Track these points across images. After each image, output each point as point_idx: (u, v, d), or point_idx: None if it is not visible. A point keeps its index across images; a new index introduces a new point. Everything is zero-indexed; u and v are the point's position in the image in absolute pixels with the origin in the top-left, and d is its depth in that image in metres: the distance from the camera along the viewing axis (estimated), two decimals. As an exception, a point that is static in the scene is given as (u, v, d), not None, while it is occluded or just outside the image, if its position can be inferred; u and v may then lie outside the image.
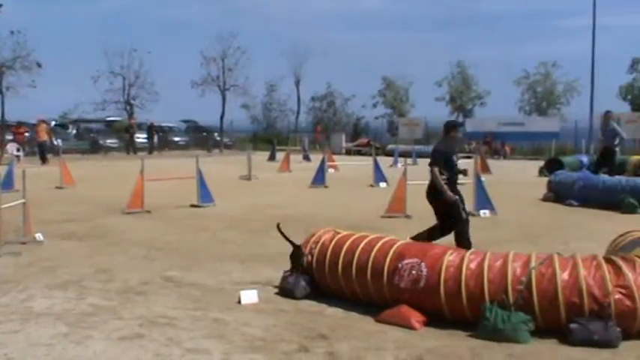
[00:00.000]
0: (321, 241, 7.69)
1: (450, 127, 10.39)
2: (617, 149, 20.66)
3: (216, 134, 51.53)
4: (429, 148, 42.56)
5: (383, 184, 20.79)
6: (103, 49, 50.61)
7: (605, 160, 19.88)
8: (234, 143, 51.73)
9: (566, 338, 6.03)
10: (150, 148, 43.35)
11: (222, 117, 51.64)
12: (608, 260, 6.36)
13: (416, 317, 6.51)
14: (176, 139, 48.91)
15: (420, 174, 23.04)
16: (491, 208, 14.43)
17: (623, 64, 49.46)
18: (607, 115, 20.28)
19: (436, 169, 9.88)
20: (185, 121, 55.66)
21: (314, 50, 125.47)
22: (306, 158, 35.63)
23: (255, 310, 7.13)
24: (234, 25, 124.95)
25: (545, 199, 17.31)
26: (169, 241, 11.43)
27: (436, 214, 10.20)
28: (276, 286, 7.96)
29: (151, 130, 44.78)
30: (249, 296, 7.49)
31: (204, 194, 15.84)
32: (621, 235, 7.87)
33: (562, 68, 51.75)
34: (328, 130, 53.91)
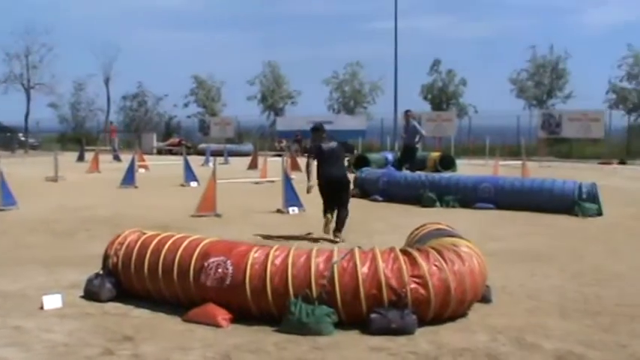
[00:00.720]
0: (127, 242, 7.54)
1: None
2: (418, 146, 21.63)
3: (20, 134, 49.32)
4: (241, 147, 43.15)
5: (194, 184, 20.67)
6: None
7: (407, 157, 20.76)
8: (40, 144, 49.71)
9: (367, 328, 6.24)
10: (-54, 149, 40.88)
11: (27, 116, 49.54)
12: (404, 252, 6.65)
13: (222, 315, 6.51)
14: (-24, 139, 46.32)
15: (231, 173, 23.23)
16: (300, 205, 14.70)
17: (425, 64, 51.75)
18: (407, 115, 21.15)
19: None
20: (-14, 121, 52.83)
21: (124, 48, 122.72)
22: (117, 158, 34.88)
23: (59, 315, 6.88)
24: (40, 21, 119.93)
25: (351, 195, 17.79)
26: (-33, 247, 10.81)
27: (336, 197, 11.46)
28: (81, 290, 7.72)
29: (-54, 130, 42.27)
30: (52, 301, 7.20)
31: (6, 196, 15.10)
32: (418, 228, 8.26)
33: (367, 68, 53.47)
34: (139, 130, 52.93)
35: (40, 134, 52.96)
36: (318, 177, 11.49)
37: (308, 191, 11.78)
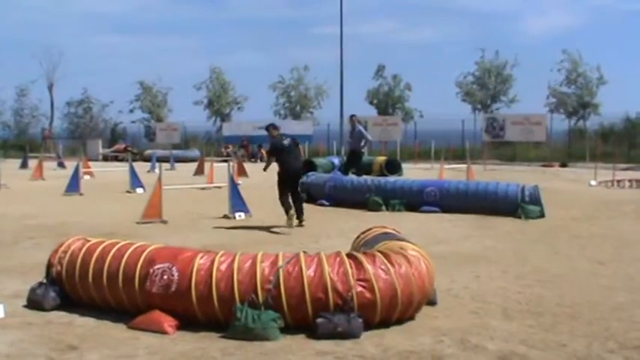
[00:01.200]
0: (71, 250, 7.42)
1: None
2: (364, 151, 21.72)
3: (-40, 142, 48.36)
4: (187, 153, 42.97)
5: (140, 190, 20.44)
6: None
7: (353, 162, 20.83)
8: (-19, 151, 48.79)
9: (314, 332, 6.25)
10: None
11: (-34, 123, 48.58)
12: (350, 256, 6.68)
13: (168, 322, 6.46)
14: None
15: (177, 179, 23.05)
16: (246, 211, 14.68)
17: (371, 69, 52.07)
18: (352, 119, 21.21)
19: None
20: None
21: (68, 54, 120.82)
22: (61, 165, 34.36)
23: (0, 326, 6.72)
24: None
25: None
26: None
27: (295, 186, 13.80)
28: (24, 299, 7.58)
29: None
30: (-6, 311, 7.07)
31: (-53, 206, 14.79)
32: (364, 232, 8.30)
33: (313, 73, 53.70)
34: (84, 137, 52.26)
35: (-20, 141, 52.01)
36: (283, 170, 13.52)
37: (265, 170, 14.06)
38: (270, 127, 14.07)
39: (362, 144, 20.81)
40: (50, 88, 56.99)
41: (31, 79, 58.84)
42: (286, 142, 13.61)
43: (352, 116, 21.43)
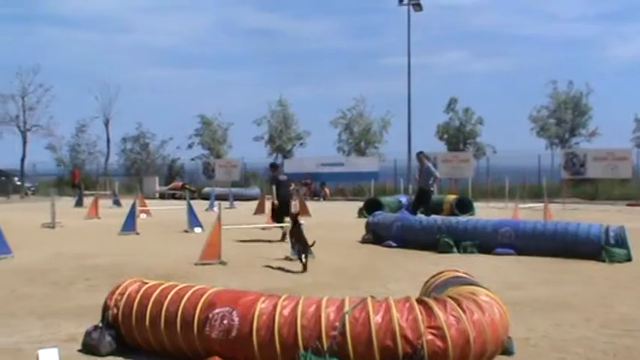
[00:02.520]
0: (127, 293, 7.52)
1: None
2: (433, 189, 21.62)
3: (16, 178, 49.53)
4: (247, 191, 43.36)
5: (198, 230, 20.67)
6: None
7: (422, 201, 20.76)
8: (37, 188, 49.93)
9: (381, 383, 6.19)
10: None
11: (23, 160, 49.81)
12: (420, 301, 6.62)
13: (229, 369, 6.49)
14: (-31, 184, 46.60)
15: (237, 218, 23.25)
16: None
17: (439, 102, 52.08)
18: (420, 157, 21.22)
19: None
20: (-19, 164, 53.10)
21: (125, 88, 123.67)
22: (117, 203, 34.97)
23: (55, 371, 6.85)
24: (37, 60, 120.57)
25: (364, 241, 17.78)
26: (-42, 299, 10.79)
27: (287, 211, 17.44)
28: (79, 343, 7.69)
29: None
30: (48, 356, 7.14)
31: (1, 245, 15.09)
32: (434, 276, 8.22)
33: (379, 104, 53.89)
34: (140, 173, 53.14)
35: (37, 178, 53.19)
36: (277, 197, 18.85)
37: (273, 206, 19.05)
38: (272, 166, 21.26)
39: (430, 182, 20.75)
40: (106, 123, 58.19)
41: (88, 115, 60.25)
42: (282, 177, 19.70)
43: (420, 153, 21.44)
